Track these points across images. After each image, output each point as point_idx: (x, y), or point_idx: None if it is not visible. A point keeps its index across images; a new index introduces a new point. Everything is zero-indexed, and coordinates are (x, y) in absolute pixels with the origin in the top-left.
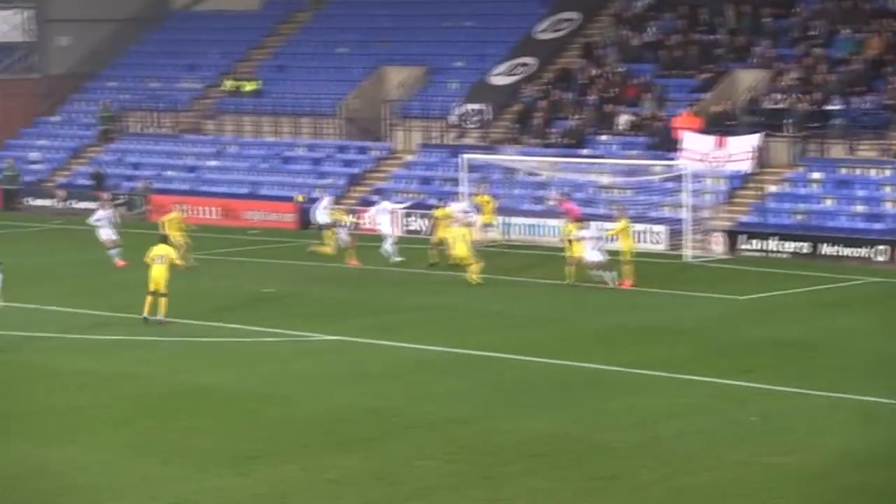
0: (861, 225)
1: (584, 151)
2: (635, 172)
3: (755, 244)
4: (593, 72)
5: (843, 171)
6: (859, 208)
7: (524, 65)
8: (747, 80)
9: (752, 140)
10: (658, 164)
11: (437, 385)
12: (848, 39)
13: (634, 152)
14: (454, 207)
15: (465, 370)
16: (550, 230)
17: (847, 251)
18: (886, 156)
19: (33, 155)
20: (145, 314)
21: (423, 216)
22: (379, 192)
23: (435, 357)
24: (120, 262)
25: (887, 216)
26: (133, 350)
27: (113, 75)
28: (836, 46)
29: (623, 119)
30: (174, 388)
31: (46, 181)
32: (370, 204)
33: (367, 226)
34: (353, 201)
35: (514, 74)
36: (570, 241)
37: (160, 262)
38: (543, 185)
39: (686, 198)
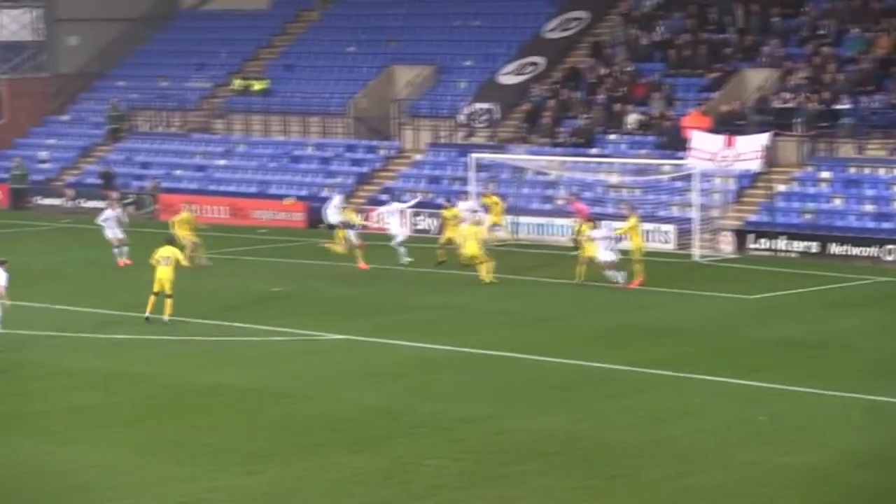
0: (870, 224)
1: (593, 151)
2: (644, 172)
3: (764, 243)
4: (602, 71)
5: (852, 170)
6: (868, 208)
7: (533, 64)
8: (756, 79)
9: (761, 139)
10: (667, 164)
11: (446, 384)
12: (857, 39)
13: (643, 152)
14: (462, 206)
15: (474, 369)
16: (559, 229)
17: (856, 251)
18: (895, 155)
19: (42, 154)
20: (147, 313)
21: (431, 216)
22: (387, 191)
23: (443, 356)
24: (122, 262)
25: None
26: (141, 349)
27: (122, 74)
28: (845, 46)
29: (632, 118)
30: (183, 387)
31: (55, 180)
32: (379, 203)
33: (376, 225)
34: (361, 200)
35: (522, 74)
36: (578, 240)
37: (165, 263)
38: (552, 185)
39: (695, 197)
